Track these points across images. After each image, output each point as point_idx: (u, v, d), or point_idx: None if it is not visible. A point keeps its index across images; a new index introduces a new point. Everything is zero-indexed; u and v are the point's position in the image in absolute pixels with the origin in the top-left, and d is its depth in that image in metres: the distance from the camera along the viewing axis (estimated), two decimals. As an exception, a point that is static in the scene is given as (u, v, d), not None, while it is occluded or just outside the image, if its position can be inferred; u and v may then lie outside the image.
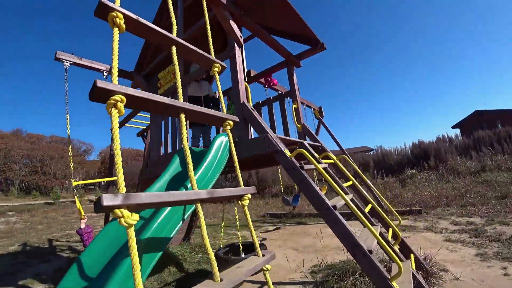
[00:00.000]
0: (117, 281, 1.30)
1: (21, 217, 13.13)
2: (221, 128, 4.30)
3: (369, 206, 2.78)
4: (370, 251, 1.54)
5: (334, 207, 1.74)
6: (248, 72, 4.45)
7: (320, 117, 7.41)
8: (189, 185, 2.02)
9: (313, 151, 2.57)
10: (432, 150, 10.43)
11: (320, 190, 2.16)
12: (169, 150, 3.23)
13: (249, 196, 1.62)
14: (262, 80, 4.30)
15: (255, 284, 3.09)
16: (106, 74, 3.98)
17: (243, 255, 3.11)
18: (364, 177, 2.98)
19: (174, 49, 1.60)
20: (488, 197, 5.71)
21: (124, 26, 1.34)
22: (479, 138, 10.48)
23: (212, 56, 1.94)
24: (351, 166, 6.88)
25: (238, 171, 1.75)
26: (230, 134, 1.84)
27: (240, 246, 3.17)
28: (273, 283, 3.04)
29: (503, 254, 2.93)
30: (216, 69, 1.91)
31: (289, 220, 7.27)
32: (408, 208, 5.68)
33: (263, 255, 1.51)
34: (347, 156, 6.87)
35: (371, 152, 16.02)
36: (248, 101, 2.57)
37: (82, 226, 2.94)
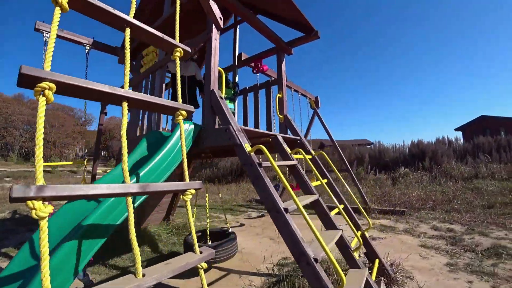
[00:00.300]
0: (52, 267, 1.25)
1: (17, 183, 13.32)
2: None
3: (341, 206, 2.70)
4: (316, 260, 1.46)
5: (286, 209, 1.65)
6: (240, 55, 4.24)
7: (316, 108, 7.23)
8: (141, 173, 1.94)
9: (285, 146, 2.45)
10: (429, 151, 10.27)
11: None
12: (144, 132, 3.12)
13: (193, 191, 1.56)
14: (253, 64, 4.10)
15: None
16: (88, 48, 3.78)
17: (210, 243, 3.10)
18: (339, 175, 2.87)
19: (128, 31, 1.48)
20: (474, 205, 5.62)
21: (66, 5, 1.22)
22: (479, 144, 10.27)
23: (175, 40, 1.78)
24: (343, 161, 6.78)
25: (185, 165, 1.66)
26: (182, 125, 1.71)
27: (208, 233, 3.15)
28: (240, 272, 3.08)
29: (473, 267, 2.87)
30: (178, 53, 1.77)
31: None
32: (392, 208, 5.62)
33: (201, 252, 1.44)
34: (337, 149, 6.76)
35: (370, 147, 15.84)
36: (220, 88, 2.43)
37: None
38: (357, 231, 2.63)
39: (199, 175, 15.78)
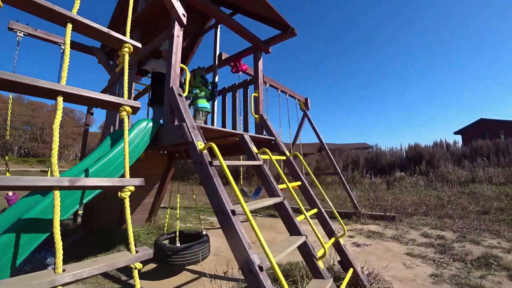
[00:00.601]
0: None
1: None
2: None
3: (314, 210, 2.52)
4: (261, 268, 1.30)
5: (233, 211, 1.50)
6: (220, 55, 4.11)
7: (305, 109, 7.07)
8: (91, 169, 1.85)
9: (251, 146, 2.28)
10: (427, 155, 10.05)
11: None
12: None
13: (131, 188, 1.42)
14: (232, 64, 3.96)
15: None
16: (63, 47, 3.66)
17: (178, 245, 2.97)
18: (315, 179, 2.70)
19: (69, 26, 1.40)
20: (469, 211, 5.41)
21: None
22: (477, 148, 10.04)
23: (124, 36, 1.66)
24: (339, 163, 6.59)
25: (126, 161, 1.51)
26: (127, 121, 1.59)
27: (177, 235, 3.00)
28: (212, 276, 2.92)
29: (459, 278, 2.67)
30: (126, 49, 1.64)
31: (262, 211, 7.10)
32: (382, 213, 5.41)
33: (137, 252, 1.30)
34: (329, 153, 6.58)
35: (367, 150, 15.61)
36: (183, 86, 2.29)
37: (10, 193, 3.13)
38: (331, 237, 2.45)
39: (194, 177, 15.65)
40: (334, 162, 6.46)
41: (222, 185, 1.62)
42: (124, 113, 1.57)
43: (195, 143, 1.71)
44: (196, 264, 3.02)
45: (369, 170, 10.81)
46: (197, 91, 3.34)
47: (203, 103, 3.27)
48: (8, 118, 3.69)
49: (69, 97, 1.40)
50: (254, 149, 2.28)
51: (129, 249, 1.40)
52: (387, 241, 3.99)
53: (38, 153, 28.78)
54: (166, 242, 3.29)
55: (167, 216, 3.59)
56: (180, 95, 2.03)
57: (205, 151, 1.71)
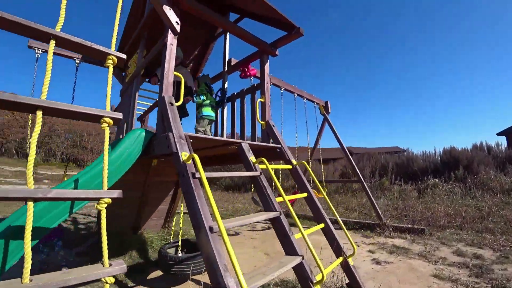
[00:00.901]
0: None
1: (52, 185, 14.42)
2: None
3: (320, 226, 2.30)
4: None
5: (211, 228, 1.37)
6: (229, 61, 4.05)
7: (326, 113, 6.76)
8: (81, 180, 1.86)
9: (248, 155, 2.14)
10: (464, 159, 9.11)
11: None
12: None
13: (108, 200, 1.41)
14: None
15: None
16: (78, 61, 3.86)
17: (181, 254, 2.92)
18: (321, 188, 2.47)
19: (52, 43, 1.47)
20: (514, 225, 4.73)
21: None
22: (526, 150, 8.89)
23: (109, 48, 1.66)
24: (354, 171, 6.19)
25: (105, 172, 1.48)
26: (107, 132, 1.57)
27: (179, 245, 2.95)
28: None
29: (495, 309, 2.27)
30: (110, 61, 1.65)
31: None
32: (410, 225, 4.93)
33: (110, 265, 1.26)
34: (350, 158, 6.19)
35: (397, 154, 14.62)
36: (178, 95, 2.23)
37: None
38: (339, 257, 2.21)
39: (219, 183, 15.79)
40: (356, 168, 6.06)
41: (203, 198, 1.51)
42: (104, 124, 1.56)
43: (179, 154, 1.64)
44: (201, 274, 2.95)
45: (398, 176, 10.07)
46: (203, 97, 3.29)
47: (207, 111, 3.22)
48: (28, 133, 3.93)
49: (49, 111, 1.46)
50: (252, 159, 2.14)
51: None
52: (412, 258, 3.58)
53: (78, 158, 31.27)
54: (172, 250, 3.25)
55: (173, 223, 3.57)
56: (171, 104, 1.97)
57: (189, 163, 1.62)
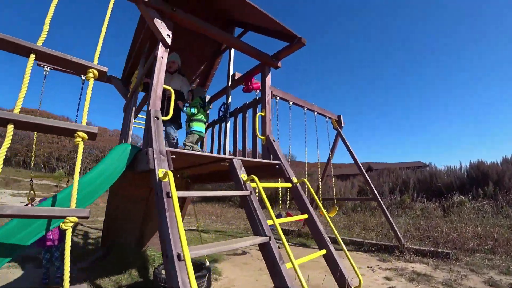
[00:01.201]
0: None
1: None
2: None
3: (321, 252, 2.06)
4: None
5: (179, 256, 1.21)
6: (233, 75, 4.00)
7: (339, 127, 6.51)
8: (60, 196, 1.80)
9: (239, 173, 1.99)
10: (494, 174, 8.38)
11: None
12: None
13: (74, 219, 1.35)
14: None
15: None
16: (84, 78, 3.95)
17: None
18: (323, 209, 2.24)
19: (32, 57, 1.47)
20: (557, 250, 4.15)
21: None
22: None
23: (91, 62, 1.64)
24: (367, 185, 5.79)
25: (75, 189, 1.41)
26: (81, 147, 1.51)
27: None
28: None
29: None
30: (90, 74, 1.62)
31: (294, 239, 6.54)
32: (433, 249, 4.46)
33: None
34: (365, 174, 5.84)
35: (419, 169, 13.78)
36: (167, 109, 2.16)
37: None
38: (344, 290, 1.95)
39: (234, 200, 15.53)
40: (371, 184, 5.70)
41: (175, 220, 1.37)
42: (78, 139, 1.52)
43: (156, 171, 1.53)
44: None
45: (421, 193, 9.42)
46: (194, 110, 3.19)
47: (198, 126, 3.12)
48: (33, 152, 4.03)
49: (20, 125, 1.42)
50: (243, 177, 1.99)
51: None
52: (435, 288, 3.18)
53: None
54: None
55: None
56: (157, 118, 1.89)
57: (166, 180, 1.50)
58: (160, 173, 1.53)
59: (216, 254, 4.82)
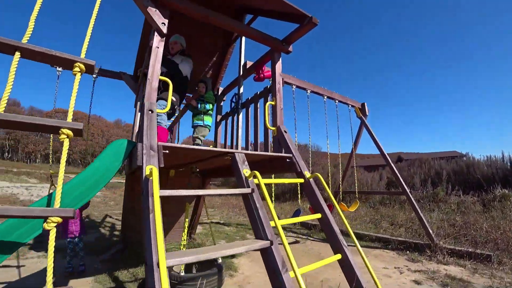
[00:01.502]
0: None
1: (104, 192, 15.80)
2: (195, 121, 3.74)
3: (336, 257, 1.84)
4: None
5: (159, 264, 1.08)
6: (245, 64, 3.80)
7: (363, 116, 6.07)
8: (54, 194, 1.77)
9: (241, 168, 1.80)
10: (545, 165, 7.41)
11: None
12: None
13: (57, 219, 1.28)
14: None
15: None
16: (95, 76, 3.97)
17: (183, 274, 2.78)
18: (336, 204, 1.99)
19: (17, 55, 1.43)
20: None
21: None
22: None
23: (78, 56, 1.55)
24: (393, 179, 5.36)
25: (59, 188, 1.33)
26: (66, 145, 1.43)
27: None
28: None
29: None
30: (77, 69, 1.53)
31: (316, 233, 6.30)
32: (471, 249, 3.99)
33: None
34: (392, 165, 5.40)
35: (454, 160, 12.68)
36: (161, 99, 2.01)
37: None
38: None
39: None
40: (399, 177, 5.25)
41: (161, 223, 1.22)
42: (63, 136, 1.42)
43: (143, 168, 1.40)
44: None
45: (456, 186, 8.64)
46: (210, 106, 3.08)
47: (209, 120, 3.01)
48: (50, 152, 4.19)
49: (3, 124, 1.37)
50: (245, 172, 1.80)
51: None
52: (473, 295, 2.81)
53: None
54: (183, 267, 3.07)
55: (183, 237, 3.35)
56: (151, 111, 1.76)
57: (151, 178, 1.36)
58: (147, 170, 1.41)
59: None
